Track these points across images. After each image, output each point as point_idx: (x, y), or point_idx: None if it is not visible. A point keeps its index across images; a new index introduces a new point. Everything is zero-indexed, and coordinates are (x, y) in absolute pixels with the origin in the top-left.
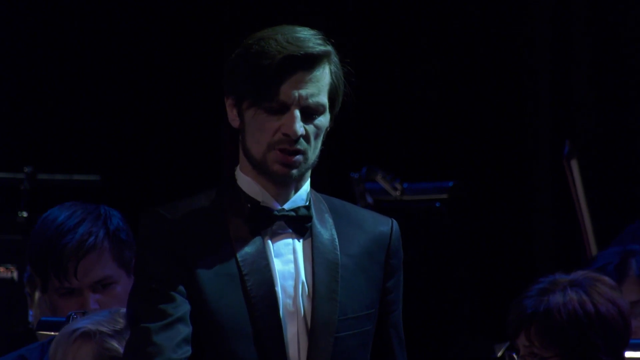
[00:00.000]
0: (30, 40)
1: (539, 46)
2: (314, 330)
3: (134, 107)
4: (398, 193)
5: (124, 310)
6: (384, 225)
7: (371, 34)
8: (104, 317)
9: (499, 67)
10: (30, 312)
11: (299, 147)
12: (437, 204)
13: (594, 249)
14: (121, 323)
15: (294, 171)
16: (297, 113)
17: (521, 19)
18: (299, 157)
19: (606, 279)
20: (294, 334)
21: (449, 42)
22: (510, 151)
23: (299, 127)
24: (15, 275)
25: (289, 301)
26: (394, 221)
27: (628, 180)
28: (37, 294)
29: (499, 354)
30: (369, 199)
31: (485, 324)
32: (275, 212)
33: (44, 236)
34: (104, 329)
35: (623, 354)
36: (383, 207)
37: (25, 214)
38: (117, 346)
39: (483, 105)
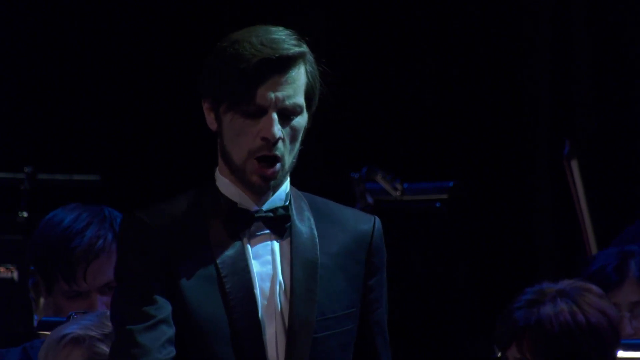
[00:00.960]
0: (30, 40)
1: (539, 46)
2: (292, 330)
3: (134, 107)
4: (398, 193)
5: None
6: (366, 223)
7: (371, 33)
8: (92, 322)
9: (499, 67)
10: (35, 317)
11: (277, 152)
12: (437, 204)
13: (594, 249)
14: (109, 326)
15: (272, 182)
16: (275, 116)
17: (521, 19)
18: (277, 167)
19: (594, 287)
20: (272, 335)
21: (449, 42)
22: (510, 151)
23: (277, 130)
24: (15, 275)
25: (267, 302)
26: (377, 219)
27: (628, 180)
28: (42, 299)
29: (499, 354)
30: (369, 199)
31: (485, 324)
32: (253, 214)
33: (50, 239)
34: (93, 334)
35: None
36: (383, 207)
37: (25, 214)
38: (106, 349)
39: (483, 105)
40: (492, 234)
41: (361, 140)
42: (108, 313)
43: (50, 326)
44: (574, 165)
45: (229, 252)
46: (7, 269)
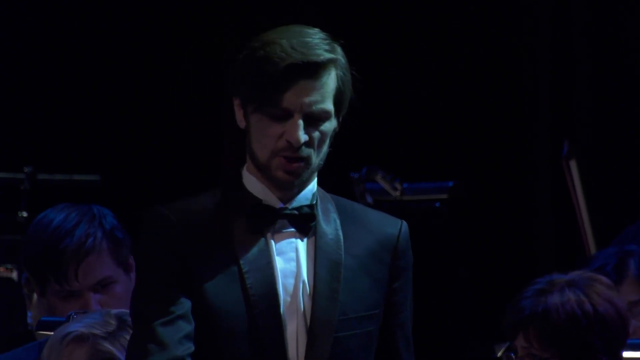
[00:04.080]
0: (30, 40)
1: (539, 46)
2: (313, 328)
3: (134, 107)
4: (398, 193)
5: (115, 311)
6: (392, 227)
7: (371, 34)
8: (95, 320)
9: (499, 67)
10: (29, 314)
11: (301, 154)
12: (437, 204)
13: (593, 249)
14: (113, 325)
15: (296, 180)
16: (300, 121)
17: (521, 19)
18: (301, 164)
19: (603, 278)
20: (293, 332)
21: (449, 42)
22: (510, 151)
23: (301, 135)
24: (15, 275)
25: (289, 299)
26: (404, 223)
27: (628, 180)
28: (35, 296)
29: (499, 354)
30: (369, 199)
31: (485, 324)
32: (278, 211)
33: (40, 240)
34: (96, 332)
35: (621, 354)
36: (383, 207)
37: (25, 214)
38: (110, 348)
39: (483, 105)
40: (492, 234)
41: (361, 140)
42: (112, 312)
43: (49, 326)
44: (573, 165)
45: (252, 248)
46: (7, 269)
